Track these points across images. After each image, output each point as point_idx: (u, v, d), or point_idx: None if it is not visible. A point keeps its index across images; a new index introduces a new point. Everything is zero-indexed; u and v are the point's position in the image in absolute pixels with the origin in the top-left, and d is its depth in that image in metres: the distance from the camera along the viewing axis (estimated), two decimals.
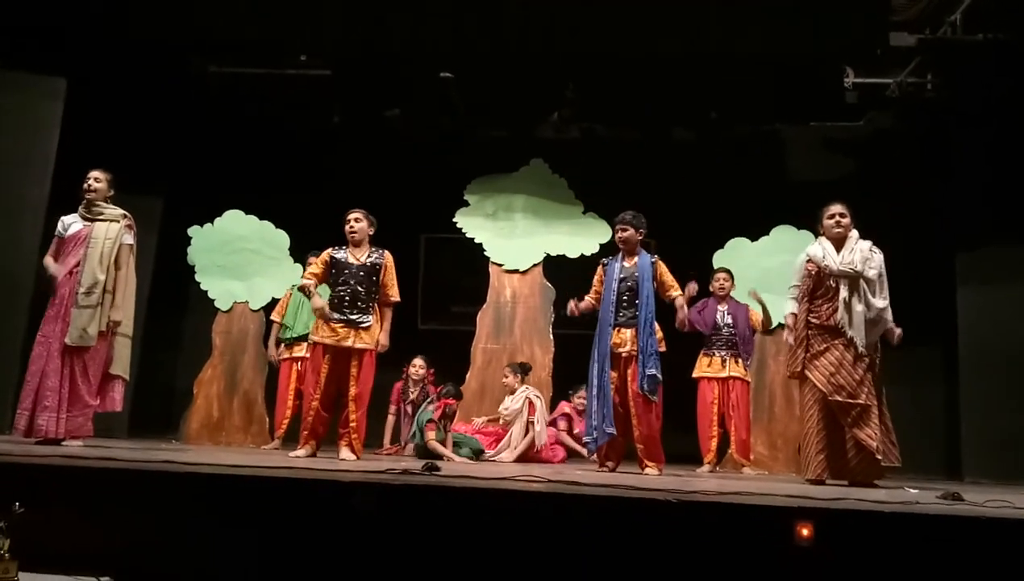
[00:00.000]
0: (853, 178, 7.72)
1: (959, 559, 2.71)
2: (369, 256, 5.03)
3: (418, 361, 6.76)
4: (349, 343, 4.86)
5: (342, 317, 4.89)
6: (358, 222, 5.05)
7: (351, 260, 5.00)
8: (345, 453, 4.86)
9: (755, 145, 7.93)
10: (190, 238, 7.27)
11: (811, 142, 8.04)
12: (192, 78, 7.39)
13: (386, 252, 5.10)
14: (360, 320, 4.90)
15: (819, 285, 4.66)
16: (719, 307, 6.30)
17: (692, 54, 6.57)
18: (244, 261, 6.71)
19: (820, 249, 4.69)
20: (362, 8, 6.35)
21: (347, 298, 4.92)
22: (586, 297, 5.27)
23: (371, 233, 5.11)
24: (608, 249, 5.34)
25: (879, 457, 4.42)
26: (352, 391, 4.87)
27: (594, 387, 5.06)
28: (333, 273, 5.00)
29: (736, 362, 6.22)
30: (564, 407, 6.67)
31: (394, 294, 5.06)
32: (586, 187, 7.58)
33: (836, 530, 2.74)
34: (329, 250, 5.09)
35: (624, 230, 5.15)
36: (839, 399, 4.49)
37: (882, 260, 4.64)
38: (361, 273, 4.97)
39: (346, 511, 2.98)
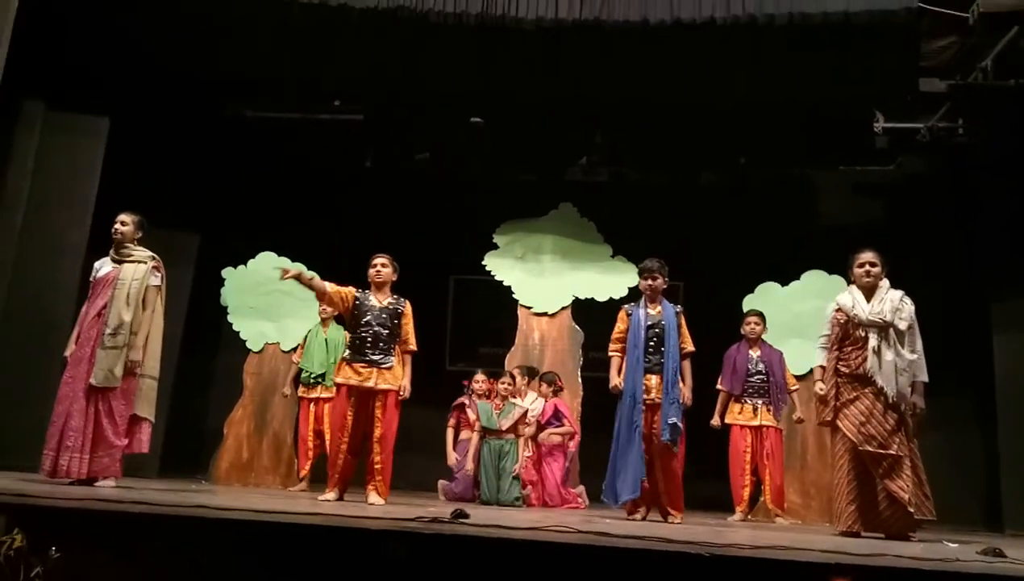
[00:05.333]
0: (884, 223, 7.68)
1: None
2: (391, 301, 5.10)
3: (479, 376, 6.67)
4: (372, 383, 4.91)
5: (364, 358, 4.94)
6: (384, 267, 5.15)
7: (373, 302, 5.06)
8: (373, 497, 4.87)
9: (785, 189, 7.92)
10: (223, 279, 7.38)
11: (841, 187, 8.01)
12: (228, 121, 7.56)
13: (407, 301, 5.16)
14: (382, 361, 4.95)
15: (848, 334, 4.61)
16: (751, 352, 6.24)
17: (721, 99, 6.60)
18: (276, 302, 6.78)
19: (850, 298, 4.64)
20: (394, 54, 6.47)
21: (369, 339, 4.97)
22: (613, 358, 5.18)
23: (394, 279, 5.18)
24: (637, 293, 5.34)
25: (911, 510, 4.33)
26: (377, 432, 4.91)
27: (622, 433, 5.02)
28: (355, 314, 5.05)
29: (768, 410, 6.14)
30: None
31: (412, 343, 5.11)
32: (615, 231, 7.60)
33: None
34: (353, 290, 5.13)
35: (654, 279, 5.16)
36: (870, 449, 4.42)
37: (913, 311, 4.57)
38: (384, 315, 5.03)
39: (375, 558, 2.98)
